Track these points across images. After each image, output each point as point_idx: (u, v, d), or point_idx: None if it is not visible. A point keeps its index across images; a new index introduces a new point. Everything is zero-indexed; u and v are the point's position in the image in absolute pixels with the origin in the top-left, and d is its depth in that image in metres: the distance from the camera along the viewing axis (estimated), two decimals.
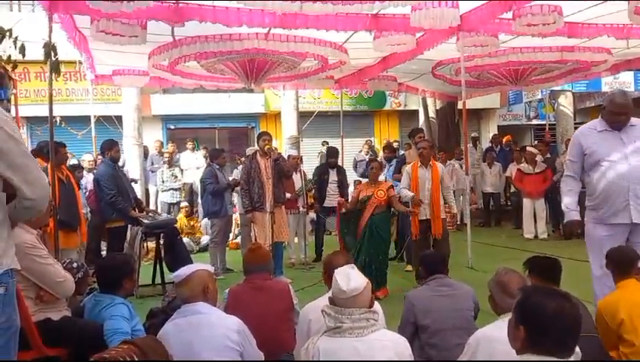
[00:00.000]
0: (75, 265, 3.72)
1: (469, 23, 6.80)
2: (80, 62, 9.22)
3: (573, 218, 4.33)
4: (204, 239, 9.69)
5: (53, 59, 5.16)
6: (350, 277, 2.49)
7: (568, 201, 4.32)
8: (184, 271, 2.91)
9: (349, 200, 7.08)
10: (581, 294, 3.44)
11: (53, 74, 5.39)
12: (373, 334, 2.43)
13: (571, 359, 2.15)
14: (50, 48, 5.11)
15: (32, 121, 13.10)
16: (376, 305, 3.01)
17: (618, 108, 4.06)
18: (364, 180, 7.31)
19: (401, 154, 9.31)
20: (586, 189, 4.30)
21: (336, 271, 2.59)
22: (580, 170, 4.26)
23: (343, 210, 6.64)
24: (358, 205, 6.36)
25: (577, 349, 2.30)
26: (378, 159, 12.32)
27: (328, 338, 2.46)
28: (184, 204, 10.52)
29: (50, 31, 5.39)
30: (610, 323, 3.31)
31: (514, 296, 2.07)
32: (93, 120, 10.32)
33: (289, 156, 8.23)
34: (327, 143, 14.32)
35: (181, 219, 9.84)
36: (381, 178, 10.39)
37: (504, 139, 13.48)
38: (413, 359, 2.58)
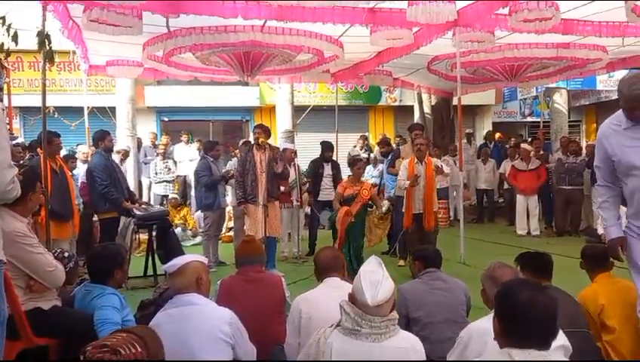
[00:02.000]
0: (65, 254, 3.70)
1: (465, 19, 6.78)
2: (74, 52, 9.14)
3: (613, 235, 3.35)
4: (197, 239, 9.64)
5: (47, 48, 5.11)
6: (378, 288, 2.30)
7: (606, 216, 3.43)
8: (178, 261, 2.89)
9: (334, 196, 7.23)
10: (573, 290, 3.47)
11: (47, 64, 5.33)
12: (390, 339, 2.31)
13: (561, 355, 2.16)
14: (44, 37, 5.06)
15: (26, 111, 13.02)
16: None
17: (632, 101, 3.03)
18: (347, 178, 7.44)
19: (395, 148, 9.31)
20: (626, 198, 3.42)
21: (362, 272, 2.37)
22: (611, 176, 3.36)
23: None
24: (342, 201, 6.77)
25: (568, 344, 2.32)
26: (372, 155, 12.40)
27: (343, 337, 2.32)
28: (173, 196, 10.41)
29: (44, 20, 5.33)
30: (592, 311, 3.39)
31: None
32: (86, 111, 10.24)
33: (285, 150, 8.19)
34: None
35: (170, 210, 9.78)
36: (376, 173, 10.48)
37: (495, 137, 13.52)
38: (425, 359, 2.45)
